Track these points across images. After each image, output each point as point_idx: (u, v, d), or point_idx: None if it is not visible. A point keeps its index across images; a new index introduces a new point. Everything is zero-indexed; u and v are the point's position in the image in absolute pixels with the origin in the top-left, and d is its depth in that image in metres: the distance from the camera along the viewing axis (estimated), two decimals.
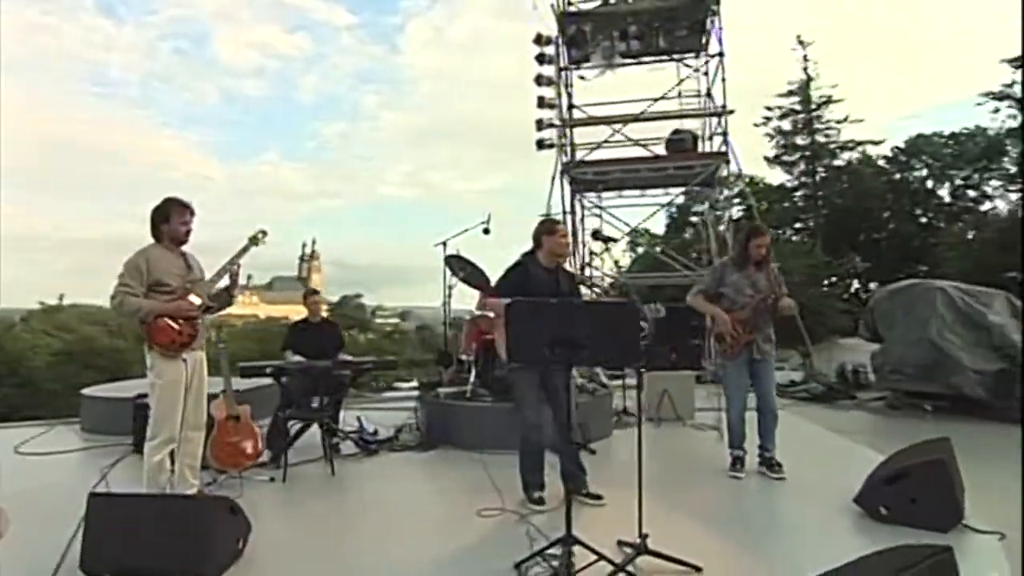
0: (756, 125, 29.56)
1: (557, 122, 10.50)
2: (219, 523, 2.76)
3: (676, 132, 10.52)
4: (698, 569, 2.77)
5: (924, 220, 28.81)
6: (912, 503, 3.25)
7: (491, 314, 5.60)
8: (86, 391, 6.38)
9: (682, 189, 10.97)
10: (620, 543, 3.00)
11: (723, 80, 10.05)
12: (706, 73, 11.00)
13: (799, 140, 29.63)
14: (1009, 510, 3.33)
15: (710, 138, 10.66)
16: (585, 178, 10.46)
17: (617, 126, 10.57)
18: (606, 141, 10.52)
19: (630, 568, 2.73)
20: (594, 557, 2.71)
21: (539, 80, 10.48)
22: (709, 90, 10.98)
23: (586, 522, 3.28)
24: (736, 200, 12.50)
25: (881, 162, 29.71)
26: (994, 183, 27.70)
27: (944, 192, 29.09)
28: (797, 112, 28.93)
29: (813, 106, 28.89)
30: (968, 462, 3.52)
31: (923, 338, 8.04)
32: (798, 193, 30.75)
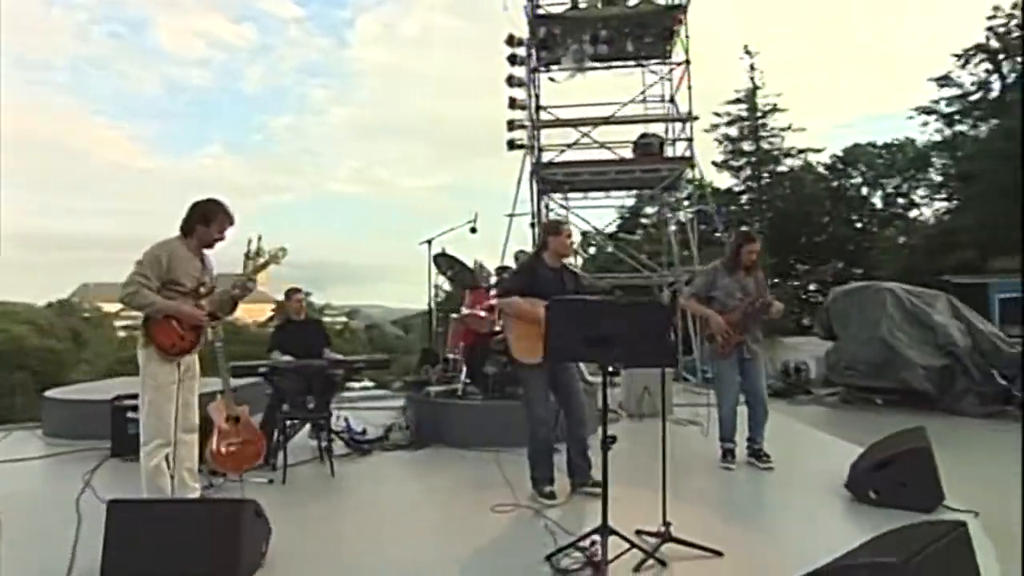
0: (705, 131, 30.65)
1: (527, 123, 10.61)
2: (247, 527, 2.72)
3: (644, 136, 10.81)
4: (719, 554, 2.94)
5: (859, 225, 30.44)
6: (901, 487, 3.53)
7: (481, 313, 5.70)
8: (50, 393, 6.06)
9: (650, 192, 11.25)
10: (639, 532, 3.12)
11: (688, 87, 10.39)
12: (669, 79, 11.35)
13: (745, 146, 30.80)
14: (969, 490, 3.70)
15: (672, 143, 11.01)
16: (555, 179, 10.61)
17: (586, 129, 10.78)
18: (576, 143, 10.71)
19: (657, 555, 2.87)
20: (625, 546, 2.82)
21: (510, 81, 10.57)
22: (672, 96, 11.35)
23: (597, 513, 3.41)
24: (687, 202, 12.88)
25: (821, 169, 31.19)
26: (921, 192, 29.61)
27: (877, 199, 30.84)
28: (744, 119, 30.03)
29: (759, 114, 30.08)
30: None
31: (874, 336, 8.59)
32: (744, 197, 32.00)
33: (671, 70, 10.76)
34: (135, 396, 4.92)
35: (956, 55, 21.14)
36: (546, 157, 10.93)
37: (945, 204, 27.05)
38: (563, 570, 2.80)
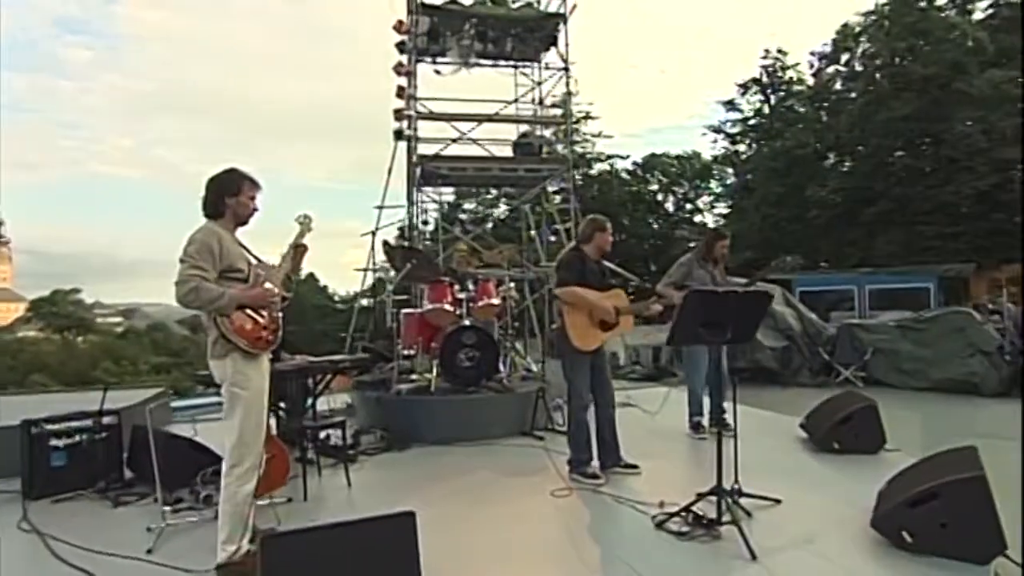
0: (519, 133, 32.52)
1: (412, 113, 10.57)
2: (414, 542, 2.56)
3: (524, 136, 11.39)
4: (778, 501, 3.56)
5: (656, 226, 34.79)
6: (942, 528, 2.77)
7: (448, 307, 5.74)
8: None
9: (534, 190, 11.86)
10: (700, 494, 3.62)
11: (567, 93, 11.22)
12: (540, 83, 12.11)
13: (560, 148, 33.37)
14: None
15: (550, 144, 11.78)
16: (439, 173, 10.72)
17: (471, 125, 11.04)
18: (462, 136, 10.91)
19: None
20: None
21: (398, 69, 10.42)
22: (542, 99, 12.11)
23: (653, 486, 3.88)
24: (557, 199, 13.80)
25: (624, 175, 34.97)
26: (704, 199, 34.86)
27: (670, 204, 35.55)
28: (560, 123, 32.46)
29: (573, 119, 32.76)
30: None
31: None
32: (558, 198, 34.65)
33: (553, 75, 11.46)
34: (58, 419, 4.21)
35: (739, 84, 25.38)
36: (426, 150, 10.97)
37: (725, 210, 32.27)
38: (679, 533, 3.19)
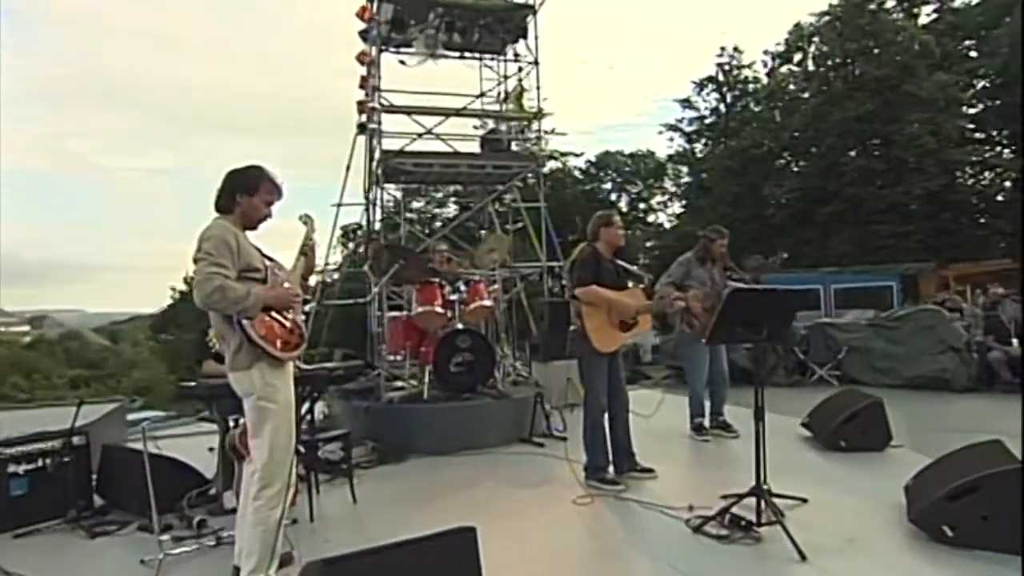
0: (475, 127, 32.52)
1: (377, 106, 10.40)
2: (476, 559, 2.49)
3: (492, 132, 11.37)
4: (804, 500, 3.68)
5: None
6: (983, 521, 2.92)
7: (439, 310, 5.68)
8: None
9: (502, 187, 11.83)
10: (725, 496, 3.71)
11: (538, 87, 11.27)
12: (507, 77, 12.13)
13: (514, 146, 33.49)
14: None
15: (522, 140, 11.80)
16: (403, 169, 10.59)
17: (438, 119, 10.95)
18: (428, 132, 10.81)
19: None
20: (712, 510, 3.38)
21: (361, 58, 10.22)
22: (507, 94, 12.14)
23: (677, 490, 3.95)
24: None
25: (577, 173, 35.41)
26: (658, 199, 35.67)
27: (623, 203, 36.19)
28: (530, 119, 32.62)
29: (538, 115, 32.93)
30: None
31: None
32: (508, 196, 34.79)
33: (520, 69, 11.48)
34: (16, 441, 3.91)
35: (695, 82, 26.13)
36: (390, 145, 10.81)
37: (679, 210, 33.12)
38: (719, 536, 3.25)
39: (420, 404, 5.39)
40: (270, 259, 2.98)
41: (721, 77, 25.26)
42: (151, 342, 38.01)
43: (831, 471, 4.41)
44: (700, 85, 25.70)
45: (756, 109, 24.93)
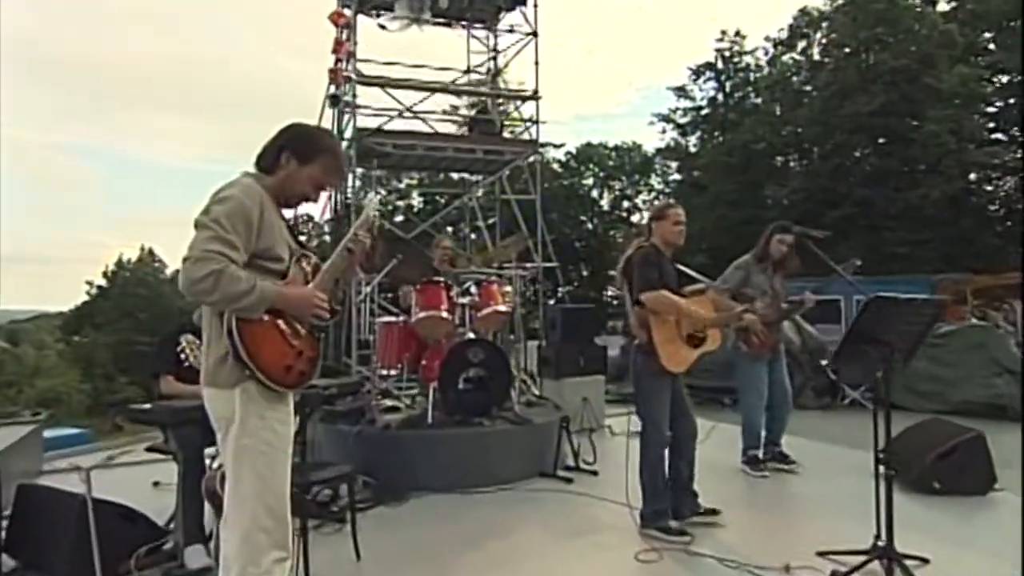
0: (445, 111, 32.04)
1: (352, 75, 9.84)
2: None
3: (483, 112, 10.93)
4: (926, 560, 3.30)
5: (590, 226, 35.22)
6: (959, 474, 4.39)
7: (444, 315, 5.21)
8: None
9: (493, 176, 11.40)
10: (827, 554, 3.35)
11: (536, 63, 10.87)
12: (496, 51, 11.73)
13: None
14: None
15: (511, 123, 11.40)
16: (382, 151, 10.05)
17: (420, 95, 10.46)
18: (408, 109, 10.30)
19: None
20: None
21: (336, 19, 9.65)
22: (497, 70, 11.74)
23: (735, 543, 3.63)
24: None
25: (556, 166, 35.20)
26: (643, 197, 35.67)
27: (605, 201, 36.12)
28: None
29: (500, 102, 32.58)
30: None
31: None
32: (480, 191, 34.42)
33: (518, 40, 11.08)
34: None
35: (691, 69, 26.11)
36: (366, 123, 10.27)
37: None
38: None
39: (423, 430, 4.90)
40: (302, 246, 2.46)
41: (720, 64, 25.29)
42: (60, 345, 36.26)
43: (936, 521, 4.06)
44: (697, 72, 25.69)
45: (757, 101, 25.00)
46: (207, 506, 3.27)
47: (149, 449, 4.09)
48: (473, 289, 5.39)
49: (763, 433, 5.17)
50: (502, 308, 5.43)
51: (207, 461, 3.36)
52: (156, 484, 4.88)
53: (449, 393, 5.01)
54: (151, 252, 37.91)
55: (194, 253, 2.04)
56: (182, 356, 3.58)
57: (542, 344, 7.29)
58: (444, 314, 5.20)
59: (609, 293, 34.15)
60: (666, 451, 3.83)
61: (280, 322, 2.24)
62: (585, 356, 6.95)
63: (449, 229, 15.17)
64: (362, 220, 2.55)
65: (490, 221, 12.95)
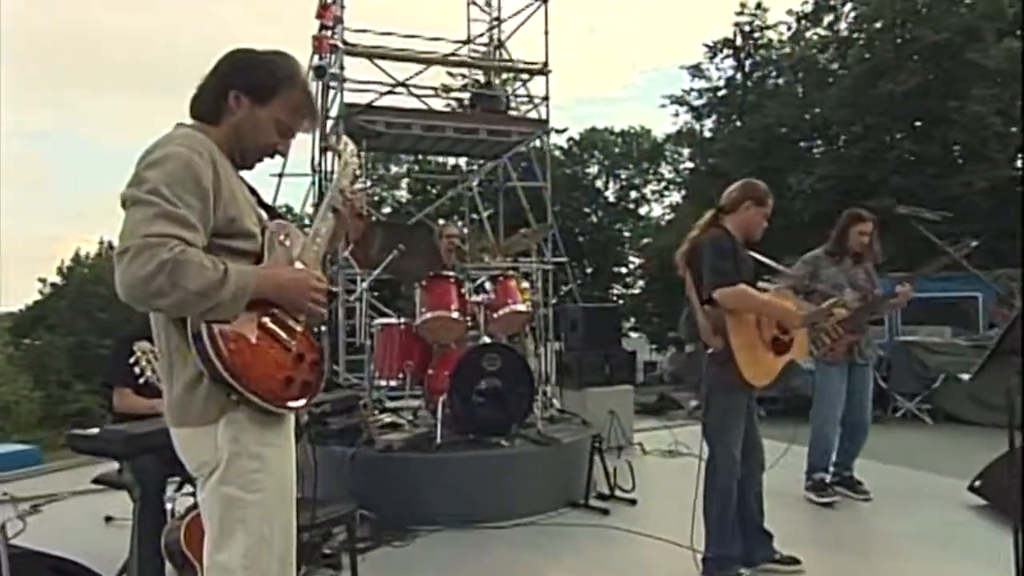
0: (444, 86, 31.66)
1: (339, 44, 9.39)
2: None
3: (487, 85, 10.50)
4: None
5: (594, 219, 34.86)
6: None
7: (455, 315, 4.82)
8: None
9: (494, 162, 10.97)
10: None
11: (545, 32, 10.45)
12: (499, 20, 11.31)
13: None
14: None
15: (516, 100, 10.98)
16: (373, 129, 9.59)
17: (416, 67, 10.01)
18: (403, 84, 9.85)
19: None
20: None
21: None
22: (500, 41, 11.32)
23: None
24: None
25: (557, 153, 34.85)
26: (652, 186, 35.36)
27: (611, 192, 35.76)
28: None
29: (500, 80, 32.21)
30: None
31: None
32: (476, 181, 34.07)
33: (525, 5, 10.66)
34: None
35: (707, 45, 25.69)
36: (355, 99, 9.83)
37: (679, 200, 32.77)
38: None
39: (431, 452, 4.50)
40: (271, 211, 2.02)
41: (739, 40, 24.88)
42: (10, 348, 35.64)
43: None
44: (713, 49, 25.27)
45: (780, 80, 24.60)
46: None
47: (97, 481, 3.63)
48: (488, 285, 4.98)
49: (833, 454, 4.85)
50: (521, 307, 5.02)
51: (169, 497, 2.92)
52: (109, 520, 4.46)
53: (461, 408, 4.64)
54: (111, 246, 37.40)
55: (132, 243, 1.55)
56: (137, 370, 3.10)
57: (560, 349, 6.87)
58: (455, 314, 4.80)
59: (616, 293, 33.92)
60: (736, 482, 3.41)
61: (267, 319, 1.77)
62: (611, 363, 6.54)
63: (441, 222, 14.67)
64: (343, 168, 2.14)
65: (486, 213, 12.56)
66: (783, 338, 3.44)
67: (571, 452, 4.78)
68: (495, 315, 4.92)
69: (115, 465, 3.23)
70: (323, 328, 1.98)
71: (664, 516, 4.15)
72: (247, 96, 1.85)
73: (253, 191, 1.98)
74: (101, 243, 36.96)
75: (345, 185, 2.10)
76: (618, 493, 4.79)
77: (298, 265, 1.91)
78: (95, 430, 2.85)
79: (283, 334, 1.80)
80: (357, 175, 2.19)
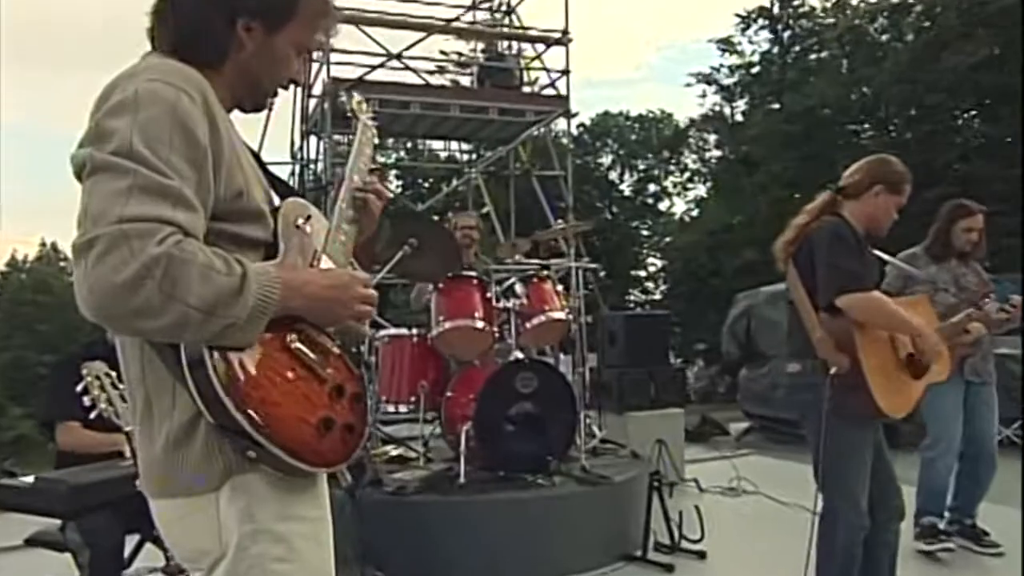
0: (430, 72, 31.63)
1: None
2: None
3: (497, 56, 10.24)
4: None
5: (608, 216, 34.63)
6: None
7: (479, 325, 4.52)
8: None
9: (505, 148, 10.67)
10: None
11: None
12: None
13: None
14: None
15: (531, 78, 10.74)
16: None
17: (415, 35, 9.75)
18: (398, 56, 9.55)
19: None
20: None
21: None
22: (509, 7, 11.09)
23: None
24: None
25: (565, 140, 34.65)
26: (674, 179, 35.21)
27: (626, 185, 35.62)
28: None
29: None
30: None
31: None
32: (475, 172, 33.98)
33: None
34: None
35: (739, 15, 25.56)
36: (342, 73, 9.57)
37: (704, 193, 32.63)
38: None
39: (453, 495, 4.22)
40: (281, 186, 1.65)
41: (777, 9, 24.72)
42: None
43: None
44: (747, 20, 25.10)
45: (823, 55, 24.47)
46: None
47: (31, 542, 3.21)
48: (519, 288, 4.65)
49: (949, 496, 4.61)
50: (558, 315, 4.70)
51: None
52: None
53: (488, 438, 4.35)
54: (54, 248, 37.31)
55: (100, 231, 1.15)
56: (87, 400, 2.67)
57: (596, 366, 6.54)
58: (479, 324, 4.48)
59: (632, 299, 33.70)
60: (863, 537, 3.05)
61: (292, 335, 1.39)
62: (657, 382, 6.21)
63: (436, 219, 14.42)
64: (363, 139, 1.80)
65: (484, 210, 12.26)
66: (921, 359, 3.08)
67: (625, 493, 4.50)
68: (528, 324, 4.62)
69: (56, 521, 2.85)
70: (362, 348, 1.61)
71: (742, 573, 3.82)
72: (260, 22, 1.47)
73: (255, 154, 1.61)
74: (43, 245, 36.89)
75: (366, 165, 1.78)
76: (684, 545, 4.43)
77: (325, 263, 1.54)
78: (30, 479, 2.46)
79: (313, 356, 1.42)
80: (375, 161, 1.89)
